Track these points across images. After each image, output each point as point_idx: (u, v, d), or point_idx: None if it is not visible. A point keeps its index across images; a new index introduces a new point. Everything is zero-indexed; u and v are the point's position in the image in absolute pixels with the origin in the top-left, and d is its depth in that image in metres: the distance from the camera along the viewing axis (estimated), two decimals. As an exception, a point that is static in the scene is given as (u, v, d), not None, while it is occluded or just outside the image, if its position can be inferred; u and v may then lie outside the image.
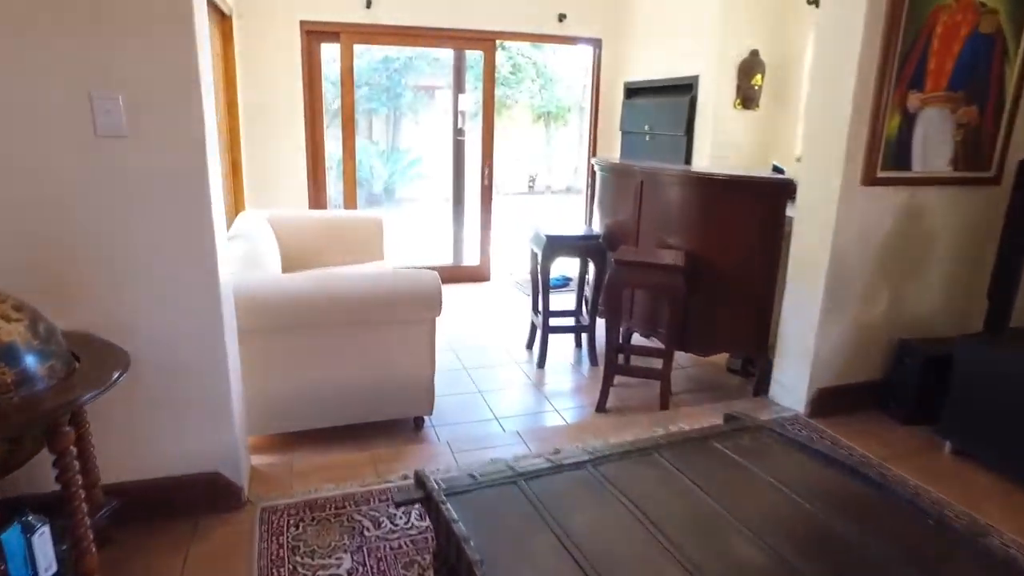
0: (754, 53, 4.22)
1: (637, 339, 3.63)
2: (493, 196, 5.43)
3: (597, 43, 5.33)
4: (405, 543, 1.95)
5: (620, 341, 3.36)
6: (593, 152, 5.59)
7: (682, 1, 4.58)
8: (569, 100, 13.53)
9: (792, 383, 2.99)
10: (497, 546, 1.41)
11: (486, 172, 5.33)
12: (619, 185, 3.58)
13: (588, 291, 3.84)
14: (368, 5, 4.63)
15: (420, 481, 1.63)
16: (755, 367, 3.31)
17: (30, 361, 1.38)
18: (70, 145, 1.74)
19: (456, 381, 3.35)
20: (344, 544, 1.94)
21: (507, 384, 3.38)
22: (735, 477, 1.75)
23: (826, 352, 2.88)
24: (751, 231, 3.02)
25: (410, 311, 2.60)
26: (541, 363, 3.58)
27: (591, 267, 3.72)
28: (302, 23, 4.55)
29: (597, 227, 3.85)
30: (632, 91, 5.22)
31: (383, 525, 2.03)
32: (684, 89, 4.52)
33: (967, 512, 2.20)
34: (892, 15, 2.48)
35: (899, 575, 1.36)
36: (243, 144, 4.42)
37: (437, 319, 2.67)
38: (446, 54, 7.29)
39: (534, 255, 3.67)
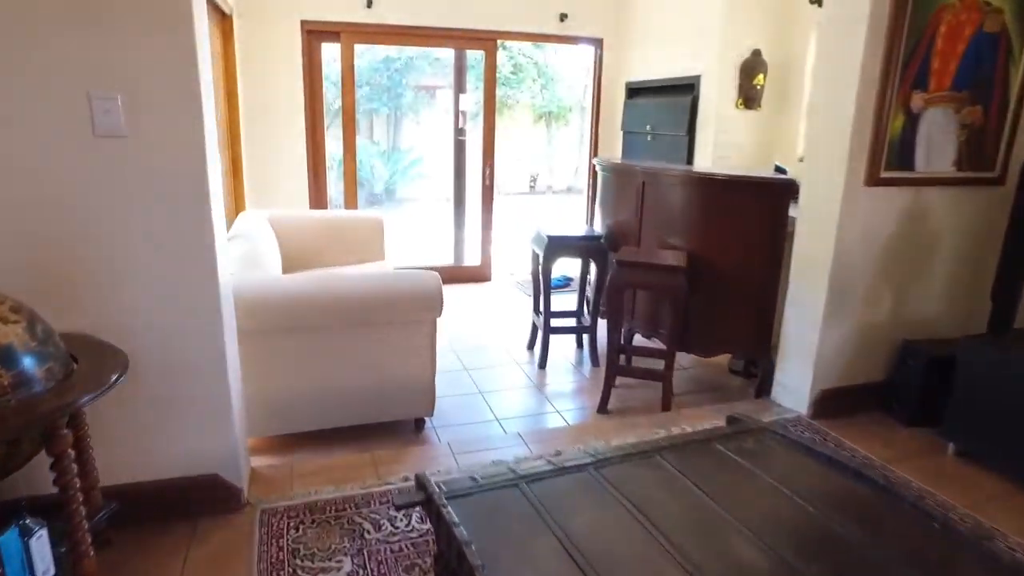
0: (756, 53, 4.21)
1: (638, 340, 3.62)
2: (494, 196, 5.41)
3: (598, 43, 5.32)
4: (406, 546, 1.94)
5: (622, 342, 3.35)
6: (594, 152, 5.58)
7: (684, 1, 4.56)
8: (570, 100, 13.52)
9: (794, 384, 2.97)
10: (498, 549, 1.40)
11: (487, 172, 5.31)
12: (621, 185, 3.57)
13: (589, 292, 3.82)
14: (369, 5, 4.62)
15: (421, 484, 1.62)
16: (757, 368, 3.29)
17: (28, 363, 1.37)
18: (68, 145, 1.72)
19: (457, 382, 3.34)
20: (344, 547, 1.93)
21: (508, 385, 3.37)
22: (737, 479, 1.73)
23: (829, 353, 2.87)
24: (753, 232, 3.01)
25: (411, 312, 2.59)
26: (542, 364, 3.57)
27: (592, 267, 3.71)
28: (303, 22, 4.54)
29: (598, 227, 3.84)
30: (633, 91, 5.21)
31: (384, 528, 2.02)
32: (686, 89, 4.51)
33: (971, 515, 2.19)
34: (896, 14, 2.46)
35: (904, 580, 1.35)
36: (244, 144, 4.41)
37: (438, 320, 2.66)
38: (447, 54, 7.29)
39: (535, 255, 3.66)
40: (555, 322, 3.68)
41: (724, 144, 4.31)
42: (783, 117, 4.33)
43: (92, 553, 1.51)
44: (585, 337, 3.81)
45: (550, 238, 3.46)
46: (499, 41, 5.16)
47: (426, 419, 2.81)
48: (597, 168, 3.93)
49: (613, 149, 5.47)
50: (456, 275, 5.35)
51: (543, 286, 3.54)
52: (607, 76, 5.39)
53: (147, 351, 1.88)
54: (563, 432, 2.84)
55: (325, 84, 4.88)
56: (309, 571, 1.83)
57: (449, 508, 1.49)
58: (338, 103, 4.98)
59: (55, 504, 1.49)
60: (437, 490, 1.58)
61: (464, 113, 5.38)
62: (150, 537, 1.94)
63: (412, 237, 8.32)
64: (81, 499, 1.47)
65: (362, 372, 2.59)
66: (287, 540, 1.96)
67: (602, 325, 3.46)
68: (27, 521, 1.43)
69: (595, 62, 5.42)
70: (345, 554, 1.90)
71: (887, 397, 2.95)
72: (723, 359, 3.56)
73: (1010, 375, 2.39)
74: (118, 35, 1.70)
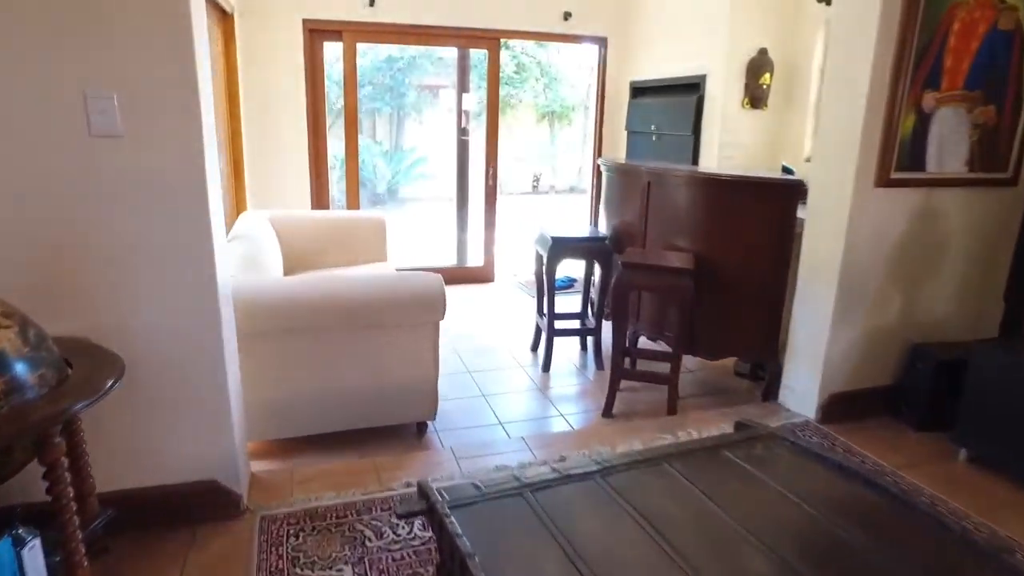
0: (762, 52, 4.16)
1: (644, 342, 3.58)
2: (497, 196, 5.38)
3: (602, 42, 5.27)
4: (407, 554, 1.90)
5: (627, 344, 3.31)
6: (598, 152, 5.54)
7: (689, -1, 4.52)
8: (573, 99, 13.47)
9: (803, 388, 2.93)
10: (502, 561, 1.36)
11: (490, 172, 5.27)
12: (626, 186, 3.53)
13: (594, 293, 3.78)
14: (371, 3, 4.58)
15: (423, 492, 1.58)
16: (764, 371, 3.25)
17: (20, 369, 1.33)
18: (64, 146, 1.69)
19: (460, 385, 3.30)
20: (345, 555, 1.89)
21: (512, 388, 3.33)
22: (747, 488, 1.69)
23: (837, 356, 2.82)
24: (761, 233, 2.96)
25: (413, 315, 2.55)
26: (546, 367, 3.53)
27: (597, 269, 3.66)
28: (305, 22, 4.51)
29: (603, 228, 3.80)
30: (638, 90, 5.16)
31: (385, 535, 1.98)
32: (691, 88, 4.46)
33: (985, 523, 2.14)
34: (908, 12, 2.42)
35: (922, 594, 1.31)
36: (245, 144, 4.38)
37: (441, 322, 2.62)
38: (450, 53, 7.25)
39: (539, 257, 3.62)
40: (559, 324, 3.64)
41: (730, 144, 4.26)
42: (790, 117, 4.28)
43: (86, 563, 1.47)
44: (589, 339, 3.77)
45: (554, 239, 3.42)
46: (502, 40, 5.11)
47: (429, 423, 2.77)
48: (602, 168, 3.89)
49: (617, 149, 5.43)
50: (459, 276, 5.31)
51: (547, 288, 3.50)
52: (611, 75, 5.34)
53: (144, 354, 1.85)
54: (568, 436, 2.80)
55: (327, 83, 4.84)
56: (309, 580, 1.79)
57: (452, 518, 1.45)
58: (340, 102, 4.95)
59: (50, 511, 1.45)
60: (440, 499, 1.54)
61: (467, 113, 5.34)
62: (148, 544, 1.91)
63: (415, 237, 8.29)
64: (75, 508, 1.43)
65: (363, 375, 2.55)
66: (287, 548, 1.92)
67: (606, 327, 3.41)
68: (20, 531, 1.40)
69: (599, 61, 5.37)
70: (346, 562, 1.86)
71: (896, 401, 2.91)
72: (729, 361, 3.51)
73: (1023, 379, 2.34)
74: (114, 33, 1.67)
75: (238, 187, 4.35)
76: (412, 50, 10.97)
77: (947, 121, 2.63)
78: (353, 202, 5.08)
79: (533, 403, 3.19)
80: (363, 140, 11.08)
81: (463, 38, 5.01)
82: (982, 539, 1.51)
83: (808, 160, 4.02)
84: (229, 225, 3.66)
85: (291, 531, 2.00)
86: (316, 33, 4.61)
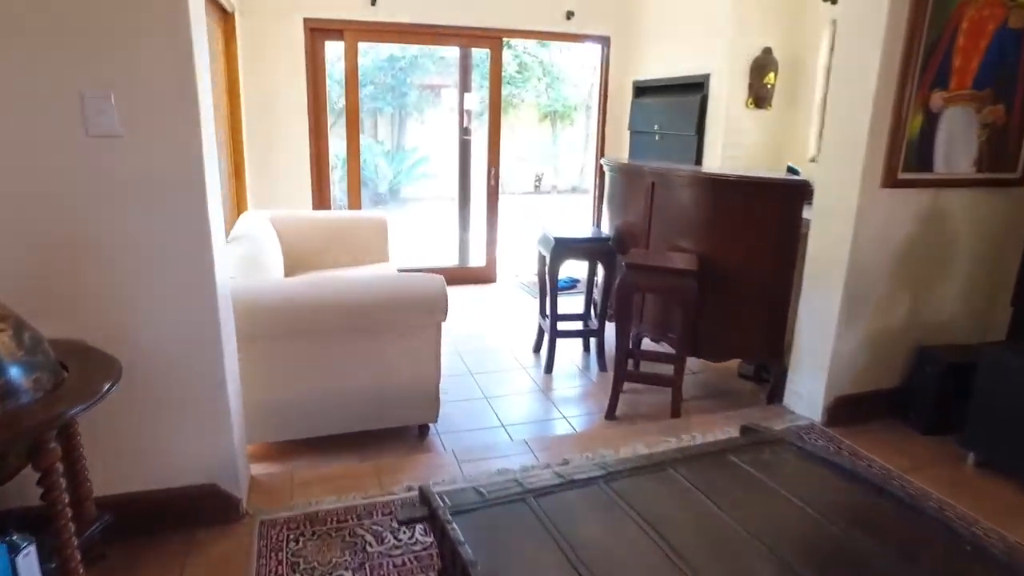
0: (767, 51, 4.13)
1: (647, 344, 3.55)
2: (499, 196, 5.35)
3: (605, 41, 5.24)
4: (409, 559, 1.88)
5: (630, 346, 3.28)
6: (601, 152, 5.51)
7: (693, -2, 4.49)
8: (575, 99, 13.44)
9: (808, 391, 2.90)
10: (504, 569, 1.34)
11: (492, 172, 5.25)
12: (629, 186, 3.50)
13: (596, 294, 3.75)
14: (373, 2, 4.56)
15: (424, 498, 1.56)
16: (768, 373, 3.22)
17: (14, 373, 1.31)
18: (61, 146, 1.67)
19: (462, 386, 3.28)
20: (346, 561, 1.87)
21: (514, 390, 3.30)
22: (753, 494, 1.66)
23: (843, 358, 2.79)
24: (766, 234, 2.94)
25: (414, 317, 2.52)
26: (549, 368, 3.50)
27: (600, 270, 3.63)
28: (306, 21, 4.49)
29: (606, 229, 3.77)
30: (641, 90, 5.13)
31: (386, 540, 1.96)
32: (695, 88, 4.43)
33: (995, 529, 2.11)
34: (916, 10, 2.38)
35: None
36: (246, 143, 4.35)
37: (442, 323, 2.59)
38: (452, 52, 7.22)
39: (542, 257, 3.59)
40: (562, 325, 3.61)
41: (734, 144, 4.23)
42: (794, 117, 4.25)
43: (82, 570, 1.45)
44: (592, 341, 3.74)
45: (557, 240, 3.39)
46: (504, 39, 5.09)
47: (430, 425, 2.75)
48: (605, 168, 3.85)
49: (620, 149, 5.40)
50: (461, 276, 5.28)
51: (549, 289, 3.47)
52: (614, 75, 5.31)
53: (142, 357, 1.82)
54: (570, 439, 2.78)
55: (329, 83, 4.82)
56: (309, 586, 1.77)
57: (454, 525, 1.43)
58: (342, 102, 4.92)
59: (46, 516, 1.43)
60: (441, 504, 1.51)
61: (469, 112, 5.31)
62: (146, 550, 1.89)
63: (416, 238, 8.27)
64: (71, 514, 1.41)
65: (364, 377, 2.53)
66: (287, 553, 1.90)
67: (609, 328, 3.38)
68: (14, 537, 1.38)
69: (602, 61, 5.34)
70: (346, 568, 1.84)
71: (902, 404, 2.88)
72: (732, 363, 3.48)
73: (1033, 383, 2.31)
74: (112, 32, 1.64)
75: (239, 187, 4.32)
76: (414, 49, 10.95)
77: (955, 121, 2.60)
78: (354, 202, 5.06)
79: (535, 405, 3.16)
80: (365, 140, 11.06)
81: (465, 37, 4.99)
82: (990, 544, 1.47)
83: (813, 160, 3.99)
84: (230, 225, 3.64)
85: (291, 536, 1.97)
86: (317, 32, 4.58)
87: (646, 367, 3.37)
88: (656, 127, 4.82)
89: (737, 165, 4.19)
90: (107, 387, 1.44)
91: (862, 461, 2.52)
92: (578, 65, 12.74)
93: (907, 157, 2.57)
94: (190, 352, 1.89)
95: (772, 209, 2.93)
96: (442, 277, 2.57)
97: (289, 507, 2.11)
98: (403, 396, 2.59)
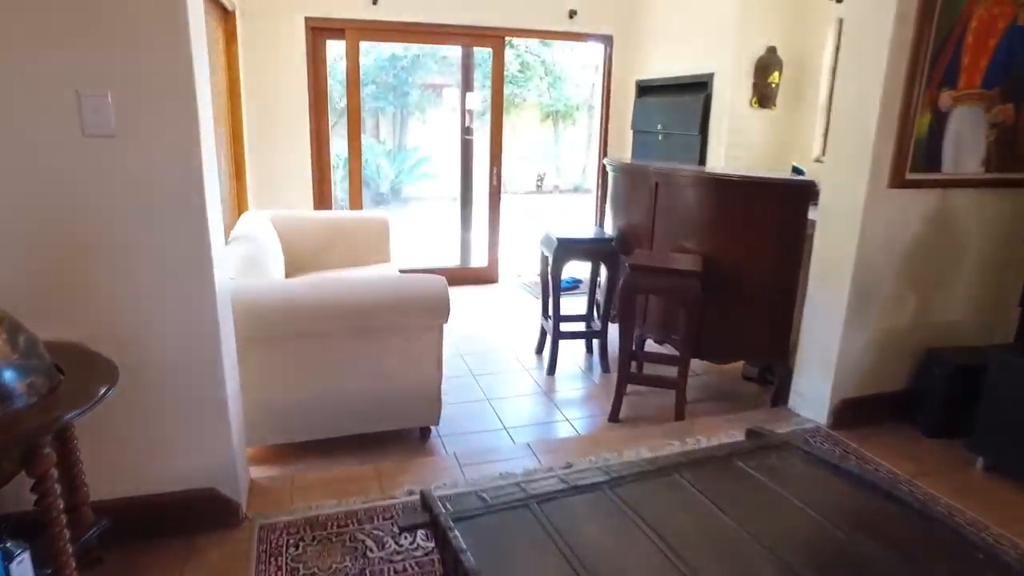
0: (771, 50, 4.09)
1: (650, 345, 3.52)
2: (501, 196, 5.32)
3: (608, 40, 5.21)
4: (410, 565, 1.85)
5: (633, 348, 3.25)
6: (603, 152, 5.48)
7: (697, -4, 4.46)
8: (577, 98, 13.41)
9: (813, 393, 2.86)
10: (508, 578, 1.31)
11: (494, 172, 5.22)
12: (633, 186, 3.47)
13: (599, 295, 3.72)
14: (375, 1, 4.53)
15: (426, 503, 1.53)
16: (773, 375, 3.19)
17: (8, 377, 1.29)
18: (56, 146, 1.64)
19: (464, 388, 3.25)
20: (346, 566, 1.84)
21: (516, 392, 3.27)
22: (761, 500, 1.64)
23: (849, 361, 2.76)
24: (771, 235, 2.90)
25: (416, 318, 2.50)
26: (551, 370, 3.47)
27: (603, 270, 3.61)
28: (307, 19, 4.46)
29: (609, 229, 3.74)
30: (644, 89, 5.10)
31: (387, 546, 1.93)
32: (698, 87, 4.40)
33: (1005, 535, 2.08)
34: (924, 8, 2.35)
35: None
36: (247, 143, 4.33)
37: (444, 325, 2.57)
38: (454, 52, 7.21)
39: (544, 258, 3.56)
40: (564, 326, 3.58)
41: (738, 144, 4.20)
42: (799, 116, 4.21)
43: (78, 577, 1.42)
44: (595, 342, 3.71)
45: (560, 240, 3.36)
46: (507, 38, 5.06)
47: (432, 428, 2.72)
48: (608, 168, 3.82)
49: (622, 149, 5.37)
50: (462, 276, 5.26)
51: (552, 289, 3.44)
52: (617, 74, 5.28)
53: (140, 360, 1.80)
54: (573, 442, 2.75)
55: (330, 82, 4.79)
56: (308, 593, 1.74)
57: (456, 532, 1.40)
58: (343, 101, 4.89)
59: (42, 521, 1.41)
60: (443, 511, 1.49)
61: (471, 112, 5.29)
62: (143, 555, 1.86)
63: (418, 238, 8.24)
64: (65, 521, 1.38)
65: (365, 379, 2.50)
66: (286, 558, 1.87)
67: (612, 329, 3.36)
68: (8, 544, 1.35)
69: (604, 60, 5.31)
70: (347, 574, 1.81)
71: (909, 407, 2.84)
72: (736, 365, 3.45)
73: (1043, 387, 2.28)
74: (109, 31, 1.62)
75: (239, 187, 4.30)
76: (416, 48, 10.94)
77: (964, 120, 2.57)
78: (356, 202, 5.03)
79: (538, 407, 3.13)
80: (366, 139, 11.03)
81: (467, 36, 4.96)
82: (1013, 560, 1.44)
83: (817, 160, 3.96)
84: (230, 225, 3.62)
85: (290, 541, 1.95)
86: (319, 31, 4.56)
87: (649, 369, 3.33)
88: (659, 127, 4.79)
89: (741, 165, 4.15)
90: (103, 391, 1.42)
91: (868, 465, 2.49)
92: (580, 64, 12.71)
93: (915, 157, 2.54)
94: (189, 354, 1.87)
95: (777, 210, 2.90)
96: (444, 278, 2.54)
97: (289, 511, 2.09)
98: (404, 398, 2.56)
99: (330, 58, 4.76)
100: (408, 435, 2.69)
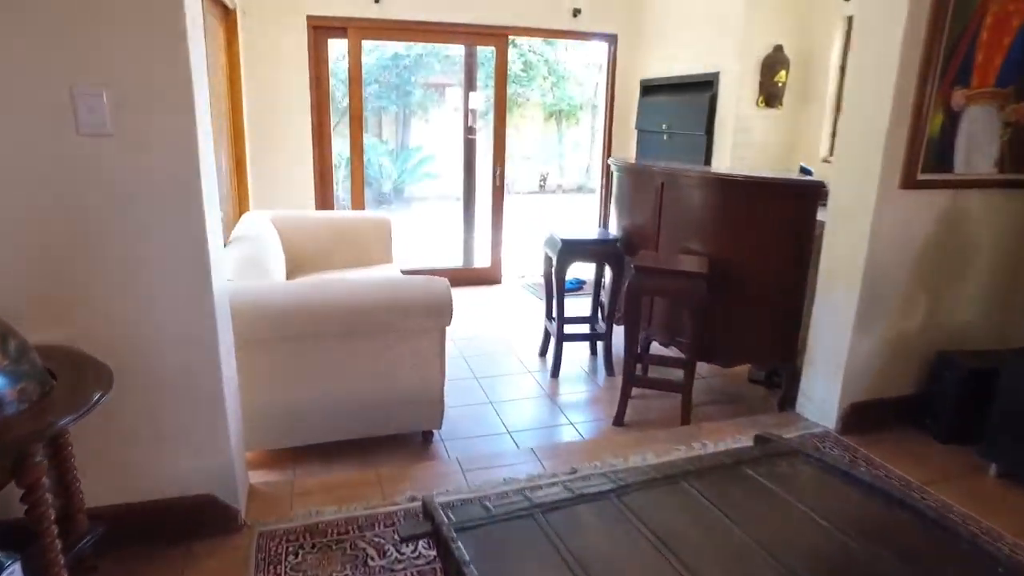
0: (778, 49, 4.05)
1: (656, 348, 3.47)
2: (504, 195, 5.28)
3: (612, 39, 5.17)
4: (412, 574, 1.81)
5: (639, 350, 3.20)
6: (607, 151, 5.43)
7: (702, -5, 4.41)
8: (581, 98, 13.36)
9: (822, 397, 2.82)
10: (512, 591, 1.27)
11: (497, 172, 5.18)
12: (638, 187, 3.43)
13: (604, 297, 3.68)
14: (377, 0, 4.49)
15: (428, 512, 1.49)
16: (780, 378, 3.14)
17: (-2, 383, 1.25)
18: (50, 144, 1.60)
19: (466, 391, 3.21)
20: (346, 575, 1.80)
21: (520, 394, 3.23)
22: (771, 509, 1.59)
23: (859, 364, 2.71)
24: (779, 236, 2.86)
25: (418, 321, 2.46)
26: (555, 372, 3.43)
27: (608, 272, 3.56)
28: (309, 18, 4.43)
29: (613, 230, 3.70)
30: (649, 88, 5.05)
31: (388, 554, 1.89)
32: (704, 86, 4.35)
33: (1021, 544, 2.03)
34: (937, 5, 2.30)
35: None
36: (248, 143, 4.29)
37: (447, 327, 2.53)
38: (457, 51, 7.17)
39: (548, 259, 3.52)
40: (568, 328, 3.54)
41: (744, 144, 4.16)
42: (806, 116, 4.17)
43: (70, 587, 1.38)
44: (599, 344, 3.67)
45: (564, 241, 3.32)
46: (510, 37, 5.02)
47: (434, 432, 2.68)
48: (613, 168, 3.78)
49: (626, 148, 5.32)
50: (465, 277, 5.22)
51: (556, 291, 3.40)
52: (621, 73, 5.23)
53: (136, 363, 1.76)
54: (578, 447, 2.70)
55: (332, 81, 4.76)
56: (308, 602, 1.70)
57: (459, 543, 1.36)
58: (345, 101, 4.86)
59: (34, 530, 1.37)
60: (445, 520, 1.44)
61: (474, 111, 5.24)
62: (139, 563, 1.82)
63: (420, 238, 8.20)
64: (57, 531, 1.35)
65: (367, 382, 2.46)
66: (285, 566, 1.83)
67: (617, 332, 3.31)
68: (-1, 555, 1.32)
69: (608, 59, 5.27)
70: (347, 583, 1.77)
71: (919, 411, 2.79)
72: (742, 367, 3.40)
73: (1059, 392, 2.23)
74: (104, 27, 1.58)
75: (240, 187, 4.27)
76: (418, 47, 10.91)
77: (977, 119, 2.52)
78: (358, 202, 5.00)
79: (542, 410, 3.09)
80: (368, 139, 11.01)
81: (470, 35, 4.92)
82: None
83: (825, 160, 3.91)
84: (231, 225, 3.58)
85: (290, 548, 1.91)
86: (320, 30, 4.52)
87: (655, 372, 3.29)
88: (664, 126, 4.75)
89: (747, 165, 4.11)
90: (97, 397, 1.38)
91: (878, 471, 2.44)
92: (583, 64, 12.67)
93: (927, 157, 2.49)
94: (186, 358, 1.83)
95: (785, 210, 2.85)
96: (446, 280, 2.51)
97: (289, 518, 2.05)
98: (406, 401, 2.53)
99: (332, 57, 4.73)
100: (410, 439, 2.65)
